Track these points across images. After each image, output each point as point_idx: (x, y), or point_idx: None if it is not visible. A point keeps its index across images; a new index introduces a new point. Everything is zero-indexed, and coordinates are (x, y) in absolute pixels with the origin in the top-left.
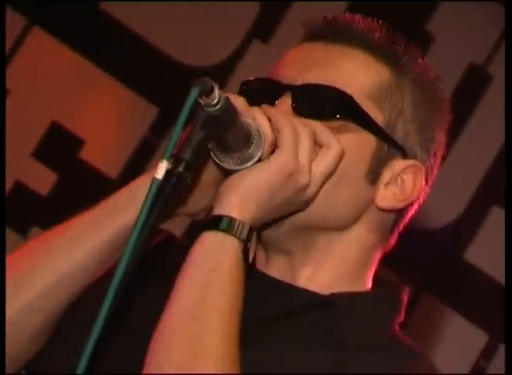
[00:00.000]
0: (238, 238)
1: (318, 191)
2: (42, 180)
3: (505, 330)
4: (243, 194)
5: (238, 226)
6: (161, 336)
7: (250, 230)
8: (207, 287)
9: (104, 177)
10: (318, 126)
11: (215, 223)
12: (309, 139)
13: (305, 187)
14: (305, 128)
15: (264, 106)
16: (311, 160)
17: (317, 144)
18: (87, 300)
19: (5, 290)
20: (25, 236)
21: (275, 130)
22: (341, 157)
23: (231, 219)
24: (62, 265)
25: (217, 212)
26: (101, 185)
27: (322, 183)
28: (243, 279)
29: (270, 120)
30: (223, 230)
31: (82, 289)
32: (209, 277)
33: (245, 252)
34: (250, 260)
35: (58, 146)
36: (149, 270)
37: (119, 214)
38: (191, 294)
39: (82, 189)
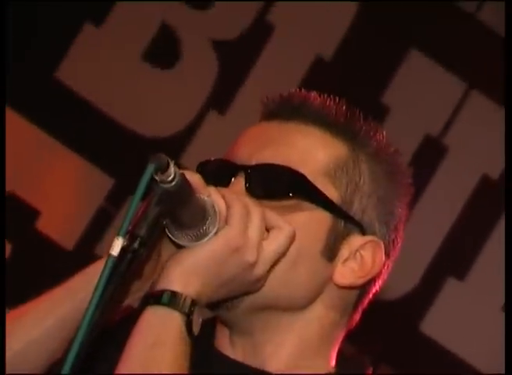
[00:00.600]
0: (180, 312)
1: (268, 270)
2: None
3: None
4: (186, 268)
5: (180, 299)
6: None
7: (194, 303)
8: (148, 364)
9: (60, 248)
10: (268, 211)
11: (157, 297)
12: (259, 218)
13: (253, 265)
14: (257, 208)
15: (219, 188)
16: (262, 239)
17: (267, 229)
18: None
19: None
20: None
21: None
22: (292, 238)
23: (172, 293)
24: (21, 341)
25: (160, 286)
26: (57, 256)
27: (273, 263)
28: (187, 352)
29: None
30: (165, 305)
31: (43, 365)
32: (151, 353)
33: (188, 326)
34: (216, 342)
35: (14, 216)
36: (112, 346)
37: (78, 294)
38: (133, 371)
39: (37, 260)
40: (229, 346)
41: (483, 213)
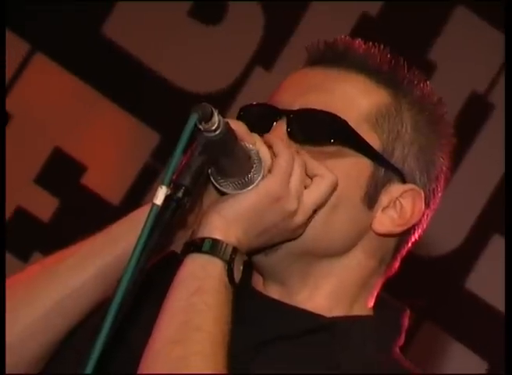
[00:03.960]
0: (221, 259)
1: (309, 218)
2: (44, 205)
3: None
4: (227, 217)
5: (221, 247)
6: (147, 360)
7: (235, 250)
8: (190, 310)
9: (106, 203)
10: (310, 159)
11: (198, 245)
12: (301, 167)
13: (293, 214)
14: (299, 156)
15: (265, 134)
16: (303, 188)
17: (308, 175)
18: (88, 326)
19: (5, 315)
20: (26, 261)
21: (273, 155)
22: (335, 186)
23: (213, 241)
24: (62, 291)
25: (200, 234)
26: (103, 211)
27: (314, 211)
28: (229, 300)
29: (271, 146)
30: (206, 252)
31: (81, 315)
32: (192, 300)
33: (230, 273)
34: (252, 282)
35: (61, 172)
36: (151, 287)
37: (120, 242)
38: (175, 318)
39: (84, 215)
40: (263, 289)
41: None
